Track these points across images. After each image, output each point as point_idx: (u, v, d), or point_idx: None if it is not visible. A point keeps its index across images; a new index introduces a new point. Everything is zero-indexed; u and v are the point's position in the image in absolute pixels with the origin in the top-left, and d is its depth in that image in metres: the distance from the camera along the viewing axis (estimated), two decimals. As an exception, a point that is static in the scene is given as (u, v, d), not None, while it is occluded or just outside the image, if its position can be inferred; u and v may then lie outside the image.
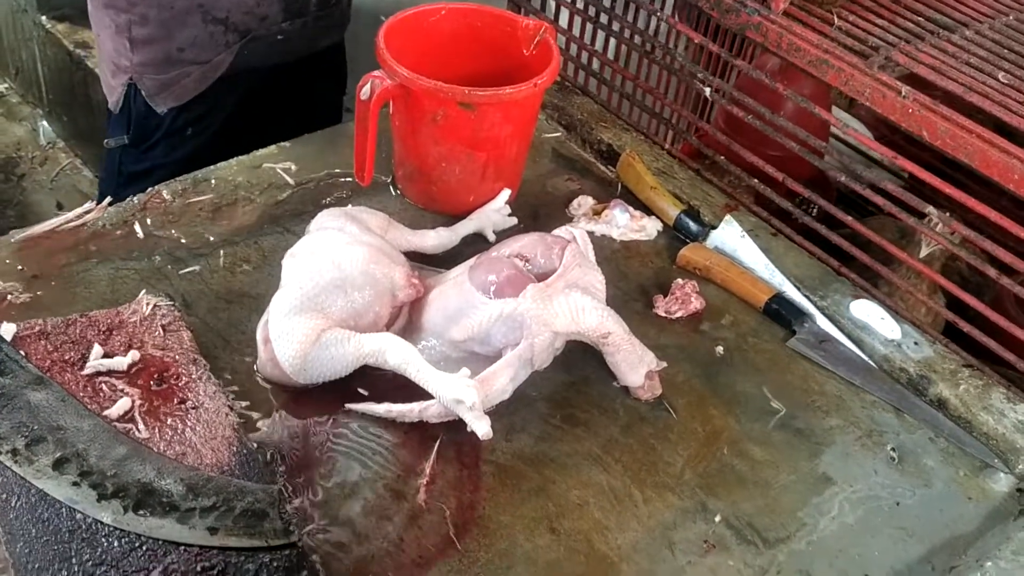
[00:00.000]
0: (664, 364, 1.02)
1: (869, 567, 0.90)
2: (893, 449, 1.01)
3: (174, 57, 1.43)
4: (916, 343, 1.11)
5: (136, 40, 1.41)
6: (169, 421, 0.88)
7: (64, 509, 0.79)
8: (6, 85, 3.01)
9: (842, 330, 1.12)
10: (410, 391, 0.94)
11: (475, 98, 1.10)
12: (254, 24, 1.44)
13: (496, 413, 0.97)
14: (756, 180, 1.28)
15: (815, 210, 1.25)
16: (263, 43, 1.46)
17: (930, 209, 1.10)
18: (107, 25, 1.43)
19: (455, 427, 0.95)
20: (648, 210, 1.26)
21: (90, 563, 0.75)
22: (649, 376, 1.01)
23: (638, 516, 0.91)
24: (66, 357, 0.92)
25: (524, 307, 0.96)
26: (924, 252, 1.17)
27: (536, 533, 0.89)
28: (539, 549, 0.87)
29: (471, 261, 1.03)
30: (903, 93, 1.07)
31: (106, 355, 0.93)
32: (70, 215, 1.14)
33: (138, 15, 1.39)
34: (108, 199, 1.16)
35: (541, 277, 0.99)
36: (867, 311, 1.13)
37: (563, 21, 1.47)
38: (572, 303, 0.97)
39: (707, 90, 1.29)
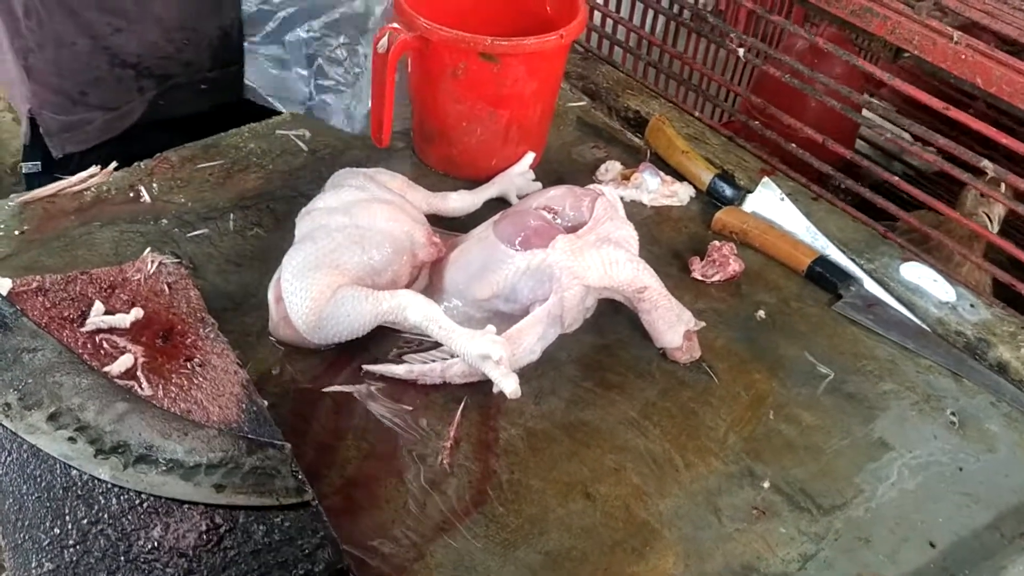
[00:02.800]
0: (703, 324, 0.95)
1: (933, 534, 0.82)
2: (953, 414, 0.94)
3: (75, 98, 1.18)
4: (972, 305, 1.04)
5: (32, 70, 1.15)
6: (174, 378, 0.82)
7: (58, 466, 0.72)
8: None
9: (891, 293, 1.05)
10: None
11: (498, 48, 1.04)
12: (175, 70, 1.20)
13: (524, 376, 0.90)
14: (794, 144, 1.21)
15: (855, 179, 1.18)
16: (185, 91, 1.23)
17: (985, 163, 1.03)
18: (5, 39, 1.16)
19: (480, 389, 0.89)
20: (679, 175, 1.20)
21: (85, 520, 0.69)
22: (687, 336, 0.94)
23: (680, 481, 0.84)
24: (65, 314, 0.86)
25: (553, 258, 0.89)
26: (995, 213, 1.09)
27: (570, 498, 0.82)
28: (573, 514, 0.80)
29: (495, 217, 0.97)
30: (955, 39, 1.01)
31: (108, 312, 0.87)
32: (73, 179, 1.08)
33: (34, 43, 1.13)
34: (113, 163, 1.11)
35: (570, 231, 0.93)
36: (918, 273, 1.06)
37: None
38: (605, 255, 0.91)
39: (740, 51, 1.23)
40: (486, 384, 0.88)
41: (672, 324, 0.93)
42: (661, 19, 1.37)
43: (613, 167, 1.19)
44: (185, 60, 1.21)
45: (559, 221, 0.95)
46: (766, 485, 0.85)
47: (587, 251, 0.90)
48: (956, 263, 1.14)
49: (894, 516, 0.83)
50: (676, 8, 1.32)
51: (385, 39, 1.04)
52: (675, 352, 0.94)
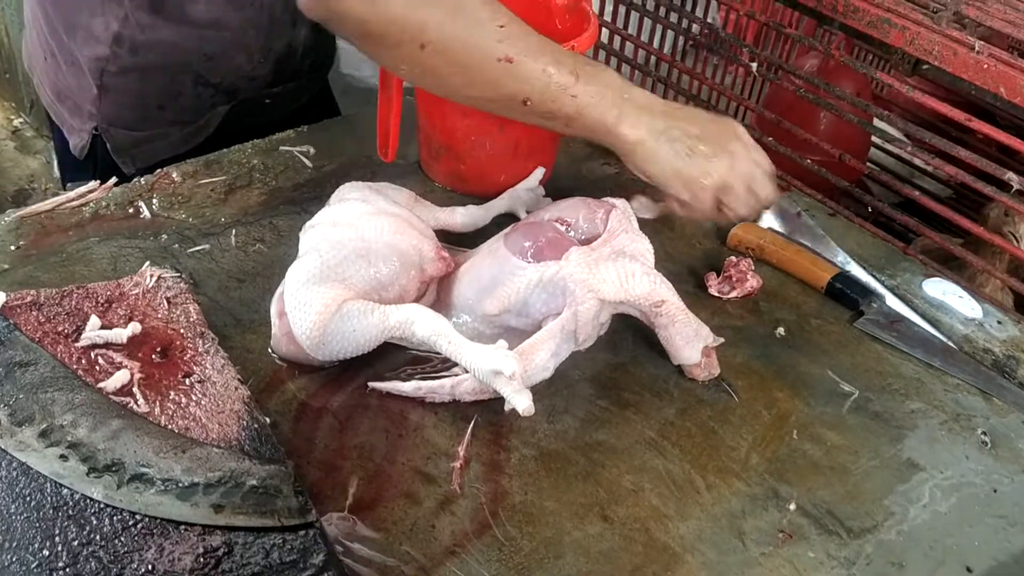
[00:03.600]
0: (721, 340, 0.92)
1: (968, 558, 0.78)
2: (984, 433, 0.90)
3: (152, 114, 1.18)
4: (999, 322, 1.00)
5: (109, 88, 1.14)
6: (172, 395, 0.78)
7: (49, 484, 0.68)
8: (21, 119, 2.98)
9: (915, 310, 1.02)
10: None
11: (508, 59, 1.01)
12: (243, 85, 1.21)
13: (536, 395, 0.86)
14: (809, 160, 1.19)
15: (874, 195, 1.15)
16: (248, 105, 1.23)
17: (1010, 175, 1.00)
18: (69, 51, 1.15)
19: (491, 407, 0.85)
20: (693, 192, 1.17)
21: (76, 542, 0.65)
22: (706, 353, 0.90)
23: (701, 503, 0.80)
24: (59, 328, 0.83)
25: (567, 271, 0.86)
26: (1021, 232, 1.06)
27: (586, 520, 0.78)
28: (590, 538, 0.76)
29: (506, 230, 0.94)
30: (976, 48, 0.98)
31: (104, 327, 0.84)
32: (71, 194, 1.05)
33: (117, 66, 1.12)
34: (113, 179, 1.08)
35: (584, 243, 0.90)
36: (942, 289, 1.03)
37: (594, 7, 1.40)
38: (620, 268, 0.87)
39: (753, 66, 1.20)
40: (497, 402, 0.84)
41: (690, 339, 0.89)
42: (670, 36, 1.34)
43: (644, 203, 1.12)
44: (252, 75, 1.21)
45: (572, 233, 0.92)
46: (792, 507, 0.81)
47: (602, 264, 0.87)
48: (979, 283, 1.10)
49: (928, 540, 0.79)
50: (685, 24, 1.30)
51: (392, 50, 1.01)
52: (693, 369, 0.91)
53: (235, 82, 1.20)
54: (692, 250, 1.10)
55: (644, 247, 0.93)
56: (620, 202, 0.98)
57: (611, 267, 0.87)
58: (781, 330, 0.99)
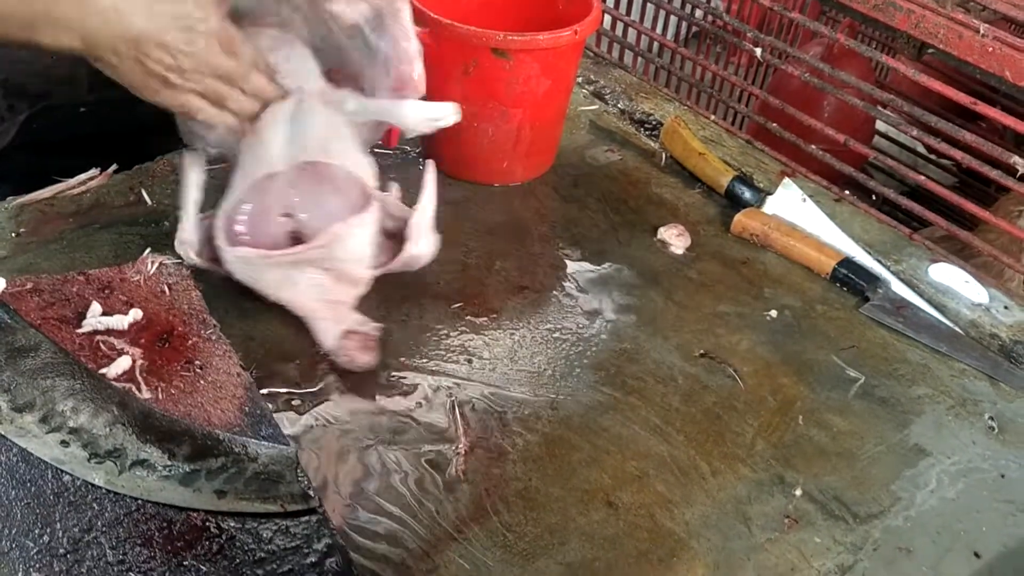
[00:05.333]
0: (378, 326, 0.88)
1: (977, 544, 0.78)
2: (991, 418, 0.89)
3: None
4: (1006, 307, 1.00)
5: None
6: (174, 381, 0.78)
7: (49, 471, 0.68)
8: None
9: (921, 295, 1.01)
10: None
11: (510, 44, 1.00)
12: (51, 89, 1.05)
13: (539, 382, 0.87)
14: (813, 146, 1.18)
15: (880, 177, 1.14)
16: (60, 113, 1.07)
17: (1016, 159, 0.99)
18: None
19: (497, 394, 0.85)
20: (696, 178, 1.16)
21: (77, 528, 0.65)
22: (347, 336, 0.85)
23: (706, 489, 0.80)
24: (61, 315, 0.83)
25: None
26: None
27: (591, 507, 0.77)
28: (595, 524, 0.76)
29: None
30: (982, 31, 0.97)
31: (105, 313, 0.83)
32: (72, 181, 1.04)
33: None
34: (114, 165, 1.07)
35: None
36: (948, 275, 1.02)
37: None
38: None
39: (758, 51, 1.19)
40: (503, 389, 0.84)
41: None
42: (672, 22, 1.33)
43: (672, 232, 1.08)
44: (60, 77, 1.05)
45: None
46: (798, 493, 0.80)
47: None
48: (989, 268, 1.10)
49: (935, 525, 0.79)
50: (689, 9, 1.29)
51: (394, 35, 1.00)
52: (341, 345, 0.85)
53: (31, 82, 1.05)
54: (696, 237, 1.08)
55: None
56: None
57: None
58: (788, 313, 0.98)
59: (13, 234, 0.97)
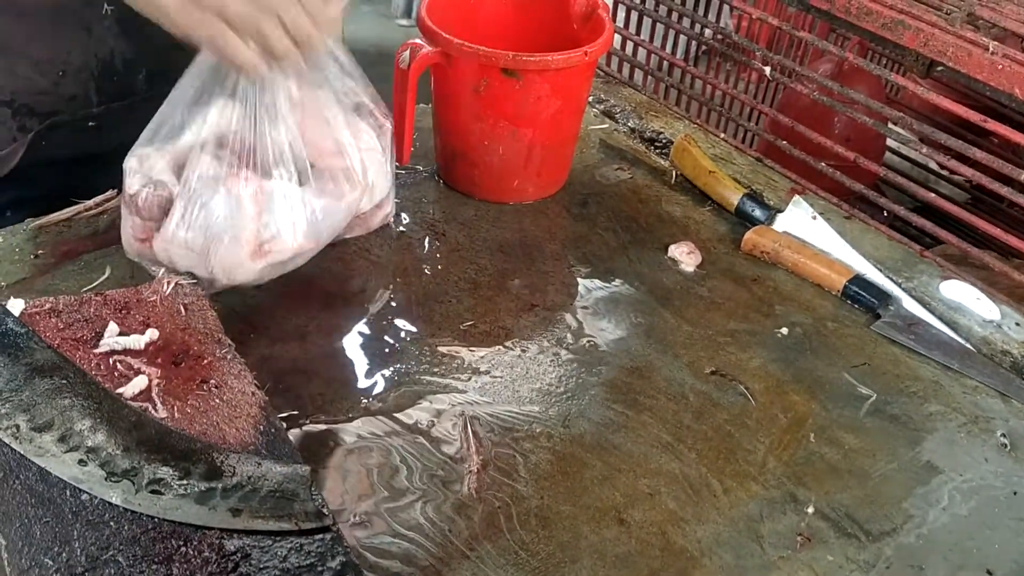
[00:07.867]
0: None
1: (989, 561, 0.77)
2: (1003, 435, 0.89)
3: None
4: (1018, 324, 1.00)
5: None
6: (190, 400, 0.79)
7: (68, 489, 0.69)
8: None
9: (933, 312, 1.01)
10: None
11: (520, 64, 1.02)
12: (60, 106, 1.06)
13: (551, 400, 0.88)
14: (824, 164, 1.18)
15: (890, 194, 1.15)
16: (68, 129, 1.07)
17: (1025, 176, 1.00)
18: None
19: (507, 413, 0.85)
20: (706, 196, 1.17)
21: (94, 547, 0.65)
22: None
23: (718, 507, 0.80)
24: (78, 335, 0.83)
25: None
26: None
27: (603, 524, 0.77)
28: (607, 542, 0.76)
29: None
30: (991, 49, 0.98)
31: (122, 333, 0.84)
32: (89, 203, 1.06)
33: None
34: (130, 187, 1.08)
35: None
36: (960, 291, 1.02)
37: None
38: None
39: (767, 69, 1.20)
40: (514, 407, 0.85)
41: None
42: (682, 41, 1.34)
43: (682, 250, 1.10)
44: (67, 95, 1.06)
45: None
46: (810, 511, 0.80)
47: None
48: (1000, 285, 1.09)
49: (947, 543, 0.79)
50: (698, 28, 1.30)
51: (407, 54, 1.02)
52: None
53: (39, 100, 1.05)
54: (707, 255, 1.09)
55: None
56: None
57: None
58: (799, 330, 0.99)
59: (32, 256, 0.99)
